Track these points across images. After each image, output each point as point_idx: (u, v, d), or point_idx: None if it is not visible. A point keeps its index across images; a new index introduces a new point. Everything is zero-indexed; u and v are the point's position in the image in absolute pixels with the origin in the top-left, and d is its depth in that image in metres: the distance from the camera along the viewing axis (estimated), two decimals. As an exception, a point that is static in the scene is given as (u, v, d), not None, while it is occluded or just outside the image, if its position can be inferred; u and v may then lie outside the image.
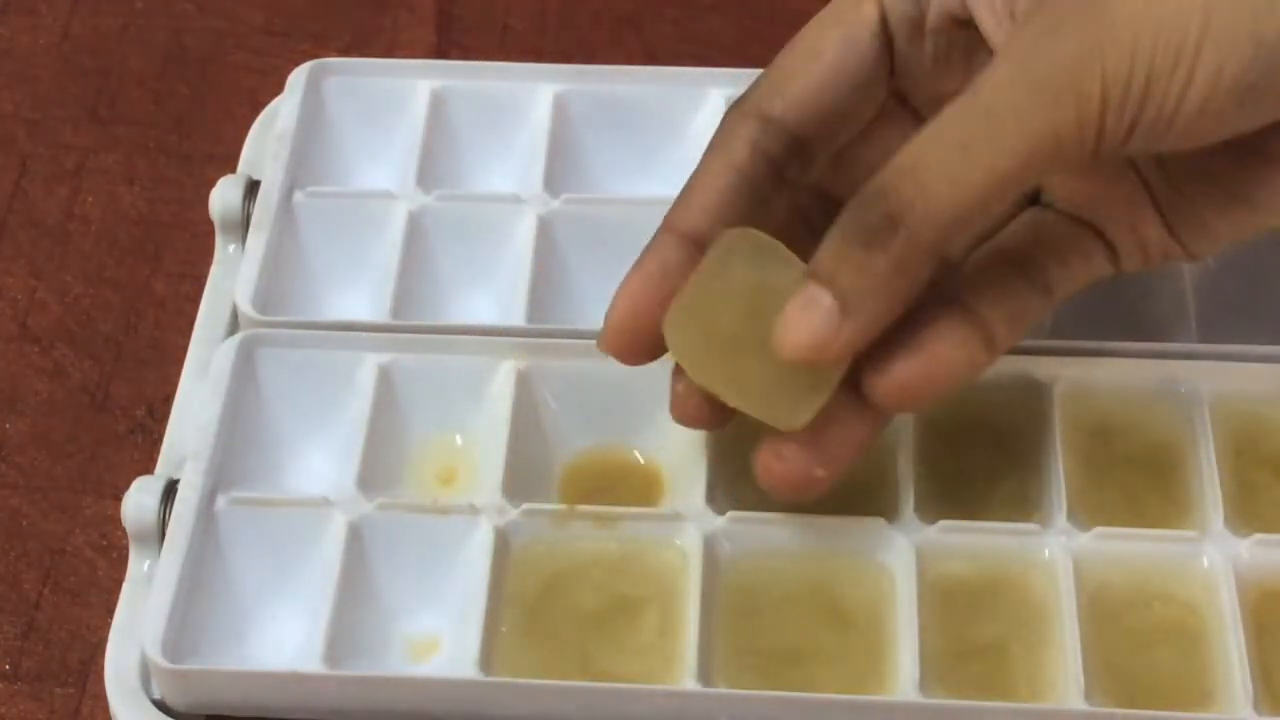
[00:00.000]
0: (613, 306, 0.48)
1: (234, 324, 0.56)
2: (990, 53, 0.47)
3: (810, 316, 0.45)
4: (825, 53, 0.48)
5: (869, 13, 0.48)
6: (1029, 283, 0.48)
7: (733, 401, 0.47)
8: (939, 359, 0.46)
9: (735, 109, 0.49)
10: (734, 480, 0.52)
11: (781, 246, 0.47)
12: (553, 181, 0.59)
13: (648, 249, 0.48)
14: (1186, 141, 0.44)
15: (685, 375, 0.48)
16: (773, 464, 0.47)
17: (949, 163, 0.44)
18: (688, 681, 0.48)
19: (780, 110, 0.48)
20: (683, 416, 0.49)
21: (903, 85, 0.50)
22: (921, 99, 0.50)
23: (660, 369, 0.49)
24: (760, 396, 0.47)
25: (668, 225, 0.48)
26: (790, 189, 0.49)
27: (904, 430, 0.52)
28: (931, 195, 0.44)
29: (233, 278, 0.57)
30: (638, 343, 0.48)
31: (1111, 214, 0.49)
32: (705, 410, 0.48)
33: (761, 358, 0.46)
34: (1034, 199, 0.50)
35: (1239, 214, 0.47)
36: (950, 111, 0.44)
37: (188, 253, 0.62)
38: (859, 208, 0.44)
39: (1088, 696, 0.47)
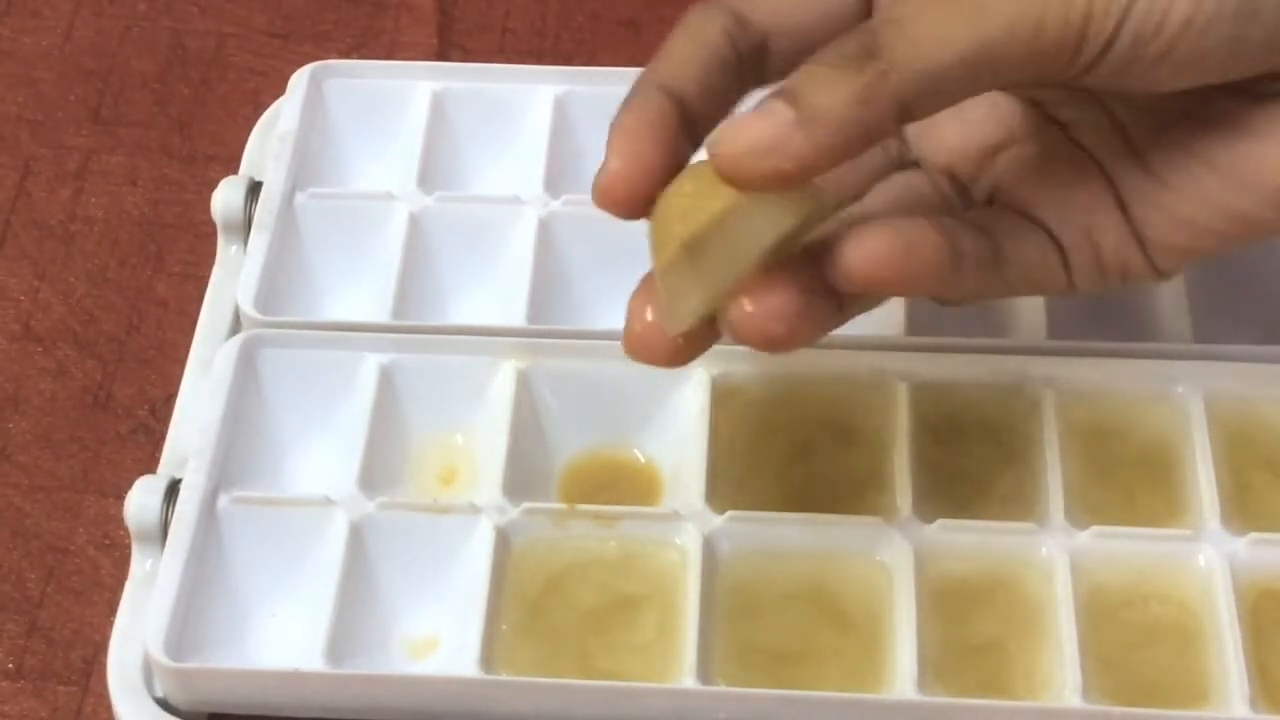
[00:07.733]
0: (607, 161, 0.46)
1: (236, 324, 0.57)
2: None
3: (761, 121, 0.43)
4: None
5: None
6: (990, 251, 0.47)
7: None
8: (913, 242, 0.45)
9: (705, 6, 0.47)
10: (734, 480, 0.52)
11: None
12: (553, 182, 0.59)
13: (632, 99, 0.46)
14: (1171, 73, 0.44)
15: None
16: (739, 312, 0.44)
17: (936, 19, 0.43)
18: (687, 680, 0.48)
19: (759, 20, 0.47)
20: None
21: None
22: None
23: (660, 371, 0.48)
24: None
25: (650, 79, 0.46)
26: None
27: (902, 430, 0.52)
28: (913, 43, 0.43)
29: (235, 278, 0.57)
30: (636, 195, 0.46)
31: (1067, 215, 0.48)
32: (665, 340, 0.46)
33: (664, 251, 0.44)
34: (989, 200, 0.49)
35: (1208, 194, 0.46)
36: None
37: (190, 253, 0.62)
38: (838, 41, 0.44)
39: (1084, 694, 0.47)
